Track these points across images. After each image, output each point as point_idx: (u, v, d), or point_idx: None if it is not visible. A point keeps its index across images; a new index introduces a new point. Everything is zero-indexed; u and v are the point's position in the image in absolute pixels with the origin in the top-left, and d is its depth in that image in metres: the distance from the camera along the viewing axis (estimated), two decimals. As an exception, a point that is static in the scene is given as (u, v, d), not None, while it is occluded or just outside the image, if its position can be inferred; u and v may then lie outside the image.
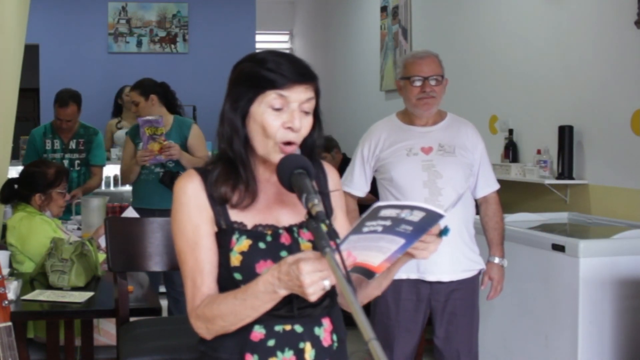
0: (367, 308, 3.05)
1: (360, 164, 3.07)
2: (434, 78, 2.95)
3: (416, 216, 1.40)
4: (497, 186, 3.12)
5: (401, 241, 1.45)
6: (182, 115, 4.57)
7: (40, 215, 3.57)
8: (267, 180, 1.66)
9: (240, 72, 1.62)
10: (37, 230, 3.47)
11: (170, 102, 4.49)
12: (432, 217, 1.42)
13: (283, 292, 1.45)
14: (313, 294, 1.38)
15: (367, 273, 1.50)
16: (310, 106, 1.60)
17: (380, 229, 1.39)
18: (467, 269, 2.98)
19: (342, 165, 4.65)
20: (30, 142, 5.11)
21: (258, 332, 1.58)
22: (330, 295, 1.65)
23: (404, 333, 2.97)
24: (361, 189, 3.10)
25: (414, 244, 1.48)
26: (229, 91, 1.64)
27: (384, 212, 1.36)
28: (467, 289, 2.99)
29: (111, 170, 6.50)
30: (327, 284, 1.38)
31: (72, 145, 5.08)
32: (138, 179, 4.37)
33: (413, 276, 2.93)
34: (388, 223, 1.39)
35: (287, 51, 9.63)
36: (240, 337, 1.58)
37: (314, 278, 1.37)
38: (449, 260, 2.91)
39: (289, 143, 1.58)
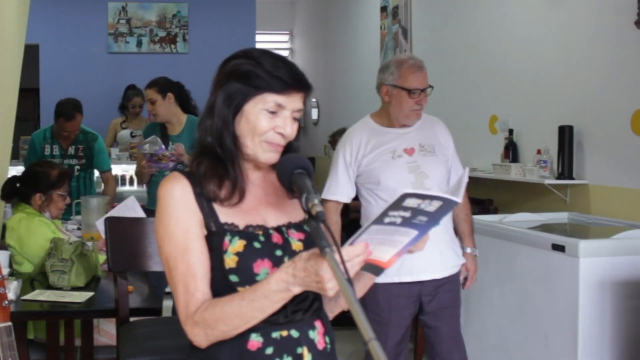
0: (366, 308, 3.05)
1: (344, 169, 3.05)
2: (427, 88, 3.00)
3: (434, 206, 1.37)
4: (466, 179, 3.13)
5: (414, 233, 1.42)
6: (197, 115, 4.52)
7: (39, 217, 3.55)
8: (251, 182, 1.65)
9: (237, 68, 1.60)
10: (35, 232, 3.46)
11: (184, 101, 4.45)
12: (447, 205, 1.39)
13: (296, 290, 1.42)
14: (332, 288, 1.36)
15: (375, 269, 1.47)
16: (300, 114, 1.61)
17: (399, 220, 1.37)
18: (455, 265, 3.09)
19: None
20: (31, 146, 5.11)
21: (255, 341, 1.54)
22: (319, 297, 1.64)
23: (394, 329, 3.03)
24: (348, 194, 3.08)
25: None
26: (221, 84, 1.61)
27: (408, 202, 1.33)
28: (453, 282, 3.10)
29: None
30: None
31: (71, 151, 5.07)
32: (150, 180, 4.37)
33: (407, 279, 2.97)
34: (408, 214, 1.36)
35: (287, 51, 9.63)
36: (237, 347, 1.53)
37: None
38: (440, 258, 3.00)
39: (277, 146, 1.59)
